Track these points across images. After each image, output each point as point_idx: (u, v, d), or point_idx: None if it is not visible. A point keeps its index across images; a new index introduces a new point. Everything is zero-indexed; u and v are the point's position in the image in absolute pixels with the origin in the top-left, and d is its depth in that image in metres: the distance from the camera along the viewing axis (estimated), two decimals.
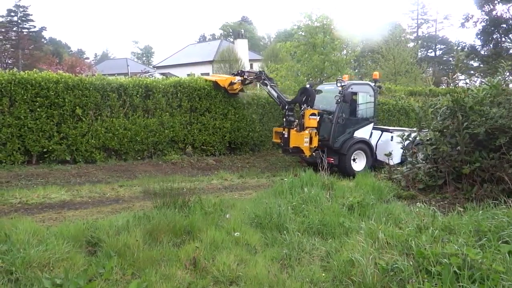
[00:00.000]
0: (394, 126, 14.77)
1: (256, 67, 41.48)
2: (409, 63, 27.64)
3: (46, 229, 4.72)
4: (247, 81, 11.86)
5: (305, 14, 19.45)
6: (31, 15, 58.69)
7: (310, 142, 10.56)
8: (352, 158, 10.82)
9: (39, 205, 6.65)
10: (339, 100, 10.61)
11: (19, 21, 57.23)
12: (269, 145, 13.46)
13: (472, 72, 34.84)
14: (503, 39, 37.23)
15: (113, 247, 4.14)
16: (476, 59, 38.14)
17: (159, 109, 11.14)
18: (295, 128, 10.57)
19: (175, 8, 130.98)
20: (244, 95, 12.74)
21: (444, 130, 7.02)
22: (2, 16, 56.57)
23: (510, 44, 36.89)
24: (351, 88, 10.88)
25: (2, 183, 8.03)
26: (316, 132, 10.63)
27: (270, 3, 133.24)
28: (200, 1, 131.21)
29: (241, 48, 39.91)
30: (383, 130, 11.80)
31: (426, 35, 58.54)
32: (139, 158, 10.99)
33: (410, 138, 10.95)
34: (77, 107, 9.85)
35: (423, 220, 4.62)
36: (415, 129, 13.37)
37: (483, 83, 7.50)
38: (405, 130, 12.50)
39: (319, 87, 12.41)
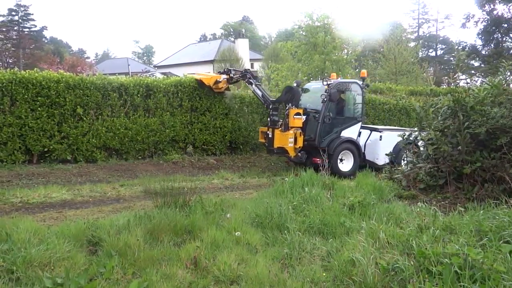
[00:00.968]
0: (395, 126, 14.76)
1: (257, 66, 41.45)
2: (410, 63, 27.64)
3: (47, 228, 4.73)
4: (233, 80, 11.66)
5: (306, 13, 19.51)
6: (32, 14, 58.70)
7: (295, 142, 10.35)
8: (339, 158, 10.59)
9: (40, 205, 6.66)
10: (325, 99, 10.39)
11: (20, 20, 57.26)
12: None
13: (473, 72, 34.82)
14: (504, 38, 37.19)
15: (114, 246, 4.14)
16: (477, 58, 38.09)
17: (159, 109, 11.14)
18: (280, 128, 10.36)
19: (176, 8, 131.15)
20: (230, 94, 12.48)
21: (445, 130, 7.01)
22: (3, 16, 56.67)
23: (511, 44, 36.87)
24: (338, 87, 10.66)
25: (3, 182, 8.04)
26: (301, 132, 10.42)
27: (271, 3, 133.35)
28: (201, 1, 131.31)
29: (242, 47, 39.93)
30: (372, 130, 11.61)
31: (427, 35, 58.49)
32: (140, 157, 10.99)
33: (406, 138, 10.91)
34: (78, 107, 9.86)
35: (424, 220, 4.61)
36: (405, 128, 13.34)
37: (484, 83, 7.49)
38: (394, 129, 12.40)
39: (306, 86, 12.24)
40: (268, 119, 10.83)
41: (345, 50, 25.56)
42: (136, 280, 3.55)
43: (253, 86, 11.06)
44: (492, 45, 36.51)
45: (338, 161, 10.55)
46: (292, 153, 10.44)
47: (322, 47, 18.95)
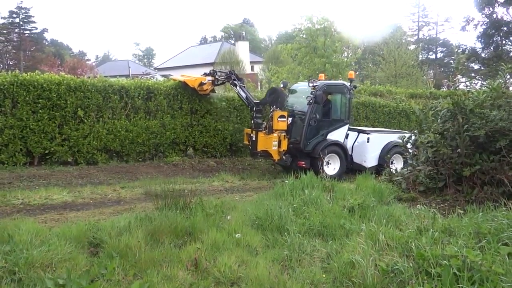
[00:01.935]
0: (396, 128, 14.77)
1: (257, 69, 41.60)
2: (410, 66, 27.69)
3: (49, 230, 4.76)
4: (218, 82, 11.37)
5: (306, 17, 19.58)
6: (33, 16, 58.73)
7: (279, 145, 10.07)
8: (325, 161, 10.25)
9: (41, 206, 6.69)
10: (310, 101, 10.09)
11: (21, 22, 57.28)
12: None
13: (473, 74, 34.87)
14: (504, 41, 37.22)
15: (115, 248, 4.17)
16: (477, 61, 38.10)
17: (160, 111, 11.17)
18: (264, 131, 10.12)
19: (177, 10, 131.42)
20: (216, 95, 12.21)
21: (445, 133, 7.03)
22: (4, 18, 56.71)
23: (511, 47, 36.92)
24: (324, 89, 10.34)
25: (5, 184, 8.06)
26: (285, 135, 10.15)
27: (271, 6, 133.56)
28: (202, 3, 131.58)
29: (242, 50, 40.04)
30: (359, 132, 11.37)
31: (427, 38, 58.62)
32: (140, 159, 11.02)
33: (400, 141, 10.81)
34: (79, 109, 9.89)
35: (423, 222, 4.64)
36: (394, 129, 13.27)
37: (483, 85, 7.52)
38: (382, 130, 12.31)
39: (293, 87, 11.96)
40: (252, 121, 10.57)
41: (345, 53, 25.65)
42: (137, 281, 3.57)
43: (238, 87, 10.78)
44: (491, 48, 36.52)
45: (324, 164, 10.23)
46: (276, 157, 10.18)
47: (322, 50, 19.00)
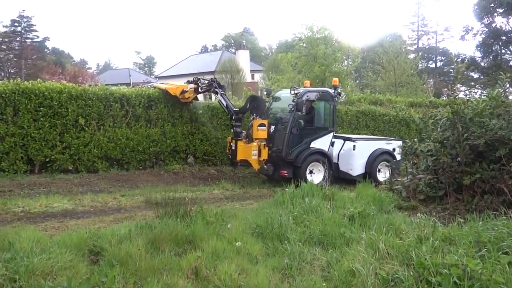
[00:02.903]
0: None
1: (258, 77, 41.74)
2: (409, 75, 27.78)
3: (49, 237, 4.77)
4: (202, 90, 11.06)
5: (306, 26, 19.69)
6: (35, 25, 59.20)
7: (259, 154, 9.91)
8: (308, 170, 10.08)
9: (42, 214, 6.69)
10: (292, 109, 9.86)
11: (22, 31, 57.73)
12: None
13: (472, 83, 35.00)
14: (503, 51, 37.43)
15: (115, 256, 4.17)
16: (476, 70, 38.30)
17: (161, 119, 11.20)
18: (244, 140, 10.01)
19: (177, 19, 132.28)
20: (198, 103, 12.06)
21: (445, 141, 7.06)
22: (6, 27, 57.17)
23: (510, 56, 37.10)
24: (307, 96, 10.12)
25: (5, 192, 8.07)
26: (265, 144, 9.98)
27: (271, 15, 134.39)
28: (202, 12, 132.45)
29: (243, 58, 40.23)
30: (345, 139, 11.13)
31: (427, 47, 58.83)
32: (141, 167, 11.03)
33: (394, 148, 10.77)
34: (80, 117, 9.93)
35: (424, 230, 4.63)
36: (380, 136, 13.21)
37: (483, 94, 7.56)
38: (369, 138, 12.16)
39: (277, 94, 11.76)
40: (232, 130, 10.48)
41: (345, 62, 25.76)
42: None
43: (219, 95, 10.63)
44: (491, 57, 36.75)
45: (307, 173, 10.06)
46: (256, 166, 10.05)
47: (322, 58, 19.09)
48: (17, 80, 9.75)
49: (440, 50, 57.98)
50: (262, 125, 9.94)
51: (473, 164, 6.59)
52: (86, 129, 10.07)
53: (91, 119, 10.15)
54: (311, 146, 10.27)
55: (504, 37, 35.35)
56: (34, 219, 6.39)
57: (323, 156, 10.28)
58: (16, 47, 56.84)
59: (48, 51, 65.46)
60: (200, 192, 9.01)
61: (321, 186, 8.94)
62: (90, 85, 11.59)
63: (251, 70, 42.27)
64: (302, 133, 10.10)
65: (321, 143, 10.41)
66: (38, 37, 59.98)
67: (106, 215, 6.78)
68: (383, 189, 8.16)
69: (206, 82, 11.04)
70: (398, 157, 11.11)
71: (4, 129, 9.11)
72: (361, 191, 7.65)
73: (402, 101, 18.80)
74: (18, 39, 57.49)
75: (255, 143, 9.95)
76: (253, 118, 10.09)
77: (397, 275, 3.58)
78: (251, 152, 9.91)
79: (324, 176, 9.97)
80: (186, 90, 10.99)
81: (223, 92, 10.74)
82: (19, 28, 57.47)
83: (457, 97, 7.41)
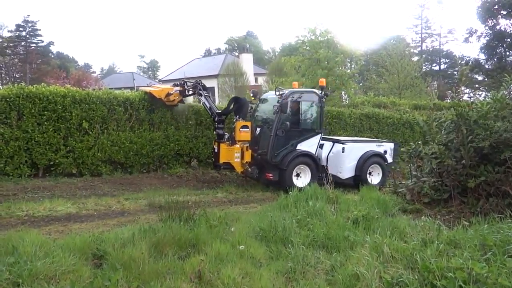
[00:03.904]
0: (399, 140, 14.74)
1: (261, 80, 41.81)
2: (413, 77, 27.72)
3: (53, 241, 4.76)
4: (189, 92, 10.91)
5: (309, 29, 19.68)
6: (40, 30, 59.61)
7: (242, 157, 9.79)
8: (295, 173, 9.90)
9: (46, 218, 6.71)
10: (277, 110, 9.63)
11: (27, 36, 58.15)
12: None
13: (476, 86, 34.88)
14: (507, 53, 37.26)
15: (119, 259, 4.16)
16: (481, 73, 38.15)
17: (164, 123, 11.22)
18: (227, 142, 9.87)
19: (181, 23, 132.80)
20: (184, 106, 11.75)
21: (449, 144, 7.03)
22: (11, 31, 57.63)
23: None
24: (292, 97, 9.90)
25: (9, 195, 8.10)
26: (247, 146, 9.87)
27: (275, 18, 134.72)
28: (206, 16, 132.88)
29: (246, 62, 40.31)
30: (334, 141, 10.84)
31: (431, 49, 58.77)
32: (144, 171, 11.04)
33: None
34: (84, 121, 9.95)
35: (428, 234, 4.61)
36: (371, 139, 13.13)
37: (487, 97, 7.53)
38: (359, 140, 11.86)
39: (263, 96, 11.58)
40: (214, 132, 10.31)
41: (348, 65, 25.73)
42: None
43: (203, 97, 10.43)
44: (495, 59, 36.57)
45: (294, 176, 9.90)
46: (239, 169, 9.90)
47: (325, 61, 19.08)
48: (21, 84, 9.79)
49: (444, 53, 57.87)
50: (245, 126, 9.82)
51: (478, 167, 6.55)
52: (90, 132, 10.09)
53: (95, 123, 10.17)
54: (297, 148, 10.04)
55: (508, 39, 35.18)
56: (38, 222, 6.40)
57: (310, 159, 10.08)
58: (21, 52, 57.32)
59: (52, 56, 65.92)
60: (204, 196, 9.01)
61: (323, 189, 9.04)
62: (94, 89, 11.62)
63: (254, 73, 42.34)
64: (288, 135, 9.90)
65: (308, 145, 10.19)
66: (42, 41, 60.52)
67: (110, 219, 6.78)
68: (387, 192, 8.12)
69: (191, 84, 10.89)
70: (390, 160, 11.05)
71: (9, 133, 9.14)
72: (365, 194, 7.62)
73: (406, 103, 18.78)
74: (23, 43, 57.94)
75: (238, 146, 9.82)
76: (236, 120, 9.98)
77: (401, 279, 3.56)
78: (233, 155, 9.79)
79: (311, 179, 9.79)
80: (171, 92, 10.78)
81: (207, 94, 10.60)
82: (24, 33, 57.93)
83: (461, 99, 7.39)
